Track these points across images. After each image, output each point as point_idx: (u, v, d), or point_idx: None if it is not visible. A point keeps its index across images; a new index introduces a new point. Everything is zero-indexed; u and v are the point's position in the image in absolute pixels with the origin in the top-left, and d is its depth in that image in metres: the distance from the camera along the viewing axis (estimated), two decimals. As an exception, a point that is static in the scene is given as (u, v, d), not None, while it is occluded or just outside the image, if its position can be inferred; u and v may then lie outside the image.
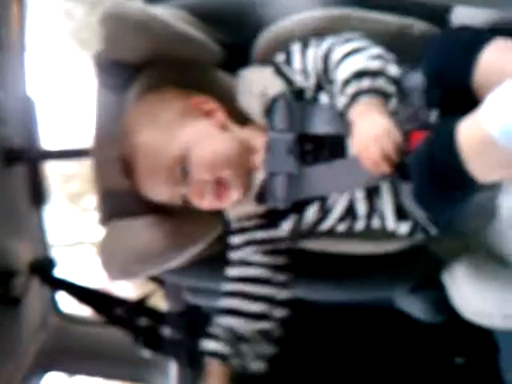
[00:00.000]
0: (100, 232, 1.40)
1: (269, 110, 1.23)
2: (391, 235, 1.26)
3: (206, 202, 1.20)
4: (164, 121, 1.20)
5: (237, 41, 1.33)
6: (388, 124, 1.08)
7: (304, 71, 1.22)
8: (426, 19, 1.28)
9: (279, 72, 1.25)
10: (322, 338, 1.71)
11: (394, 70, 1.16)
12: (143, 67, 1.28)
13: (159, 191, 1.22)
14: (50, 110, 2.49)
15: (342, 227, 1.25)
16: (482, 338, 1.41)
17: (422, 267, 1.38)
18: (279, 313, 1.29)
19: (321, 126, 1.19)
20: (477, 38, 1.09)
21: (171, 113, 1.21)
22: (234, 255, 1.31)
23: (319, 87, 1.23)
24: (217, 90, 1.29)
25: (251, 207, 1.28)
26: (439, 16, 1.24)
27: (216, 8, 1.33)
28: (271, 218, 1.28)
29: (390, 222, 1.22)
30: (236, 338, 1.25)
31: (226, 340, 1.25)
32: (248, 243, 1.30)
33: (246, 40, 1.30)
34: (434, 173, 1.00)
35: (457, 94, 1.08)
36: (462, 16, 1.20)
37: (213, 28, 1.32)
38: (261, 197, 1.25)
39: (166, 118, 1.20)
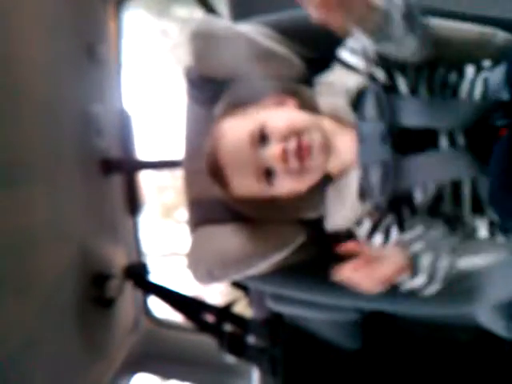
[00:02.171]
0: (190, 241, 1.45)
1: (355, 104, 1.25)
2: (479, 248, 1.25)
3: (289, 166, 1.18)
4: (243, 114, 1.25)
5: (318, 55, 1.36)
6: None
7: (363, 50, 1.23)
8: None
9: (342, 63, 1.27)
10: (402, 353, 1.70)
11: None
12: (231, 83, 1.33)
13: (245, 172, 1.21)
14: (147, 124, 2.60)
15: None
16: None
17: (505, 283, 1.35)
18: None
19: (410, 117, 1.20)
20: None
21: (250, 109, 1.26)
22: None
23: (388, 71, 1.24)
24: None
25: (357, 207, 1.26)
26: None
27: (299, 24, 1.36)
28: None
29: (468, 217, 1.21)
30: None
31: None
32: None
33: (327, 54, 1.33)
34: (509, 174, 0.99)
35: None
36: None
37: (296, 43, 1.35)
38: (362, 193, 1.25)
39: (245, 112, 1.25)
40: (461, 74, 1.23)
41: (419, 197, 1.21)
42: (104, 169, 1.85)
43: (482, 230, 1.21)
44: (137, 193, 2.04)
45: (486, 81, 1.19)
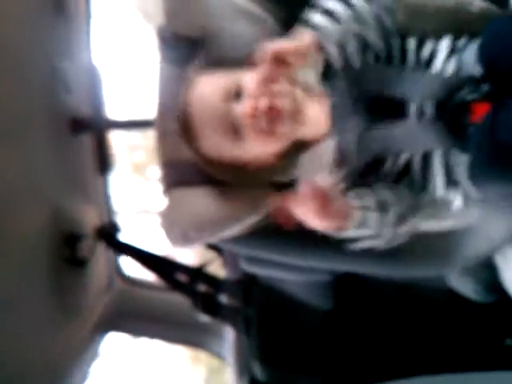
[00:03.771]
0: (163, 201, 1.45)
1: (327, 77, 1.24)
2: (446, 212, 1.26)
3: (258, 124, 1.17)
4: (218, 72, 1.23)
5: (293, 16, 1.33)
6: None
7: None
8: None
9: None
10: (373, 313, 1.72)
11: None
12: (204, 42, 1.30)
13: (214, 127, 1.20)
14: (115, 80, 2.55)
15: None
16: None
17: (475, 247, 1.37)
18: None
19: (380, 84, 1.20)
20: None
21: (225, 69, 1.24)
22: None
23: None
24: None
25: (332, 175, 1.26)
26: None
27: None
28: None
29: (440, 190, 1.22)
30: None
31: None
32: None
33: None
34: (493, 148, 1.00)
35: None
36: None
37: (270, 2, 1.32)
38: (337, 161, 1.25)
39: (220, 71, 1.24)
40: (435, 49, 1.21)
41: (389, 165, 1.22)
42: (73, 127, 1.81)
43: (456, 201, 1.22)
44: (107, 152, 2.01)
45: (459, 60, 1.18)
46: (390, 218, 1.18)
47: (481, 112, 1.11)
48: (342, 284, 1.64)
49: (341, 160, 1.24)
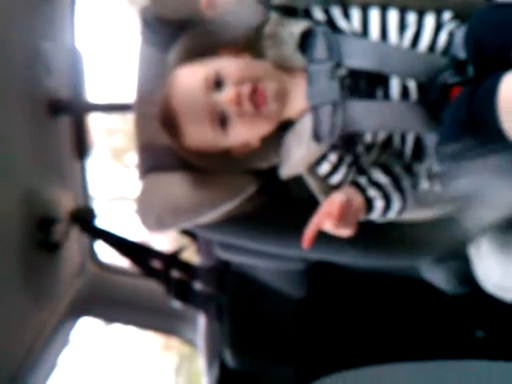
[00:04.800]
0: (139, 186, 1.44)
1: (304, 47, 1.24)
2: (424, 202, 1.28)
3: (243, 110, 1.17)
4: (198, 61, 1.23)
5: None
6: None
7: None
8: None
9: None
10: (346, 302, 1.74)
11: None
12: (187, 26, 1.30)
13: (199, 118, 1.19)
14: (97, 63, 2.53)
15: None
16: (502, 312, 1.42)
17: (448, 237, 1.39)
18: None
19: (358, 58, 1.19)
20: None
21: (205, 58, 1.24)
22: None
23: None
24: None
25: (312, 149, 1.25)
26: None
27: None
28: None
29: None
30: None
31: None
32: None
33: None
34: (467, 121, 1.01)
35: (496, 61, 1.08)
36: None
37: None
38: (316, 135, 1.23)
39: (201, 60, 1.24)
40: (419, 22, 1.20)
41: (369, 140, 1.23)
42: (52, 109, 1.79)
43: (423, 182, 1.24)
44: (85, 136, 1.99)
45: (451, 35, 1.18)
46: (395, 201, 1.22)
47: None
48: (315, 272, 1.65)
49: (317, 133, 1.23)
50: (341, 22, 1.22)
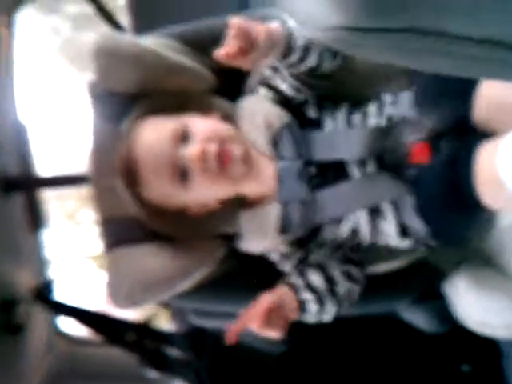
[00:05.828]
0: (97, 246, 1.39)
1: (275, 140, 1.24)
2: (394, 254, 1.28)
3: (207, 166, 1.15)
4: (164, 118, 1.22)
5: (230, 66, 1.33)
6: None
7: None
8: None
9: (266, 84, 1.26)
10: (329, 350, 1.72)
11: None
12: (138, 97, 1.27)
13: (160, 171, 1.17)
14: (43, 136, 2.48)
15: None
16: (487, 345, 1.42)
17: (423, 279, 1.39)
18: None
19: (319, 151, 1.20)
20: None
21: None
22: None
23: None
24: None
25: (275, 240, 1.26)
26: None
27: (206, 35, 1.32)
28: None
29: (394, 240, 1.23)
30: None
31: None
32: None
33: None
34: (449, 192, 1.05)
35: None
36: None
37: (204, 55, 1.31)
38: (283, 228, 1.24)
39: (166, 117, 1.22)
40: (364, 110, 1.22)
41: (329, 231, 1.23)
42: (3, 188, 1.74)
43: (404, 243, 1.23)
44: (39, 209, 1.94)
45: (390, 118, 1.19)
46: (329, 306, 1.21)
47: (420, 152, 1.13)
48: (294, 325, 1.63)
49: (284, 227, 1.23)
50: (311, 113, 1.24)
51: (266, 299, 1.13)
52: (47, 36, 3.01)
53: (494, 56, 0.55)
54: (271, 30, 1.08)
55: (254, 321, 1.10)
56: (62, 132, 2.75)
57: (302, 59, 1.15)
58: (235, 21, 1.03)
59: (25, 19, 2.34)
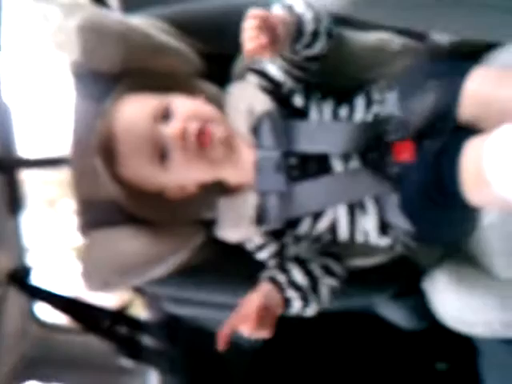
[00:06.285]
0: (77, 236, 1.37)
1: (255, 128, 1.23)
2: (373, 250, 1.27)
3: (186, 145, 1.14)
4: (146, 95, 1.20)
5: (219, 51, 1.32)
6: None
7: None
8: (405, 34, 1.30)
9: (255, 69, 1.25)
10: (305, 343, 1.71)
11: None
12: (122, 77, 1.25)
13: (139, 149, 1.16)
14: (25, 115, 2.46)
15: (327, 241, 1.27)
16: (463, 343, 1.42)
17: (402, 274, 1.38)
18: None
19: (306, 143, 1.18)
20: (455, 70, 1.10)
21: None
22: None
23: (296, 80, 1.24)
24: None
25: (251, 230, 1.25)
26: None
27: (195, 19, 1.31)
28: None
29: (373, 238, 1.22)
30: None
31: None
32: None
33: (229, 51, 1.28)
34: (434, 190, 1.05)
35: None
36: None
37: (192, 38, 1.30)
38: (259, 218, 1.23)
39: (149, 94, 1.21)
40: (351, 104, 1.22)
41: (306, 225, 1.22)
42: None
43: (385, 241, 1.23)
44: (18, 191, 1.91)
45: (376, 116, 1.19)
46: (313, 303, 1.22)
47: (404, 150, 1.12)
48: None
49: (261, 218, 1.22)
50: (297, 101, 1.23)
51: (254, 300, 1.12)
52: (36, 21, 2.99)
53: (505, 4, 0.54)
54: (284, 18, 1.07)
55: (247, 324, 1.09)
56: (46, 115, 2.72)
57: (308, 45, 1.14)
58: (257, 12, 1.01)
59: (14, 3, 2.32)
